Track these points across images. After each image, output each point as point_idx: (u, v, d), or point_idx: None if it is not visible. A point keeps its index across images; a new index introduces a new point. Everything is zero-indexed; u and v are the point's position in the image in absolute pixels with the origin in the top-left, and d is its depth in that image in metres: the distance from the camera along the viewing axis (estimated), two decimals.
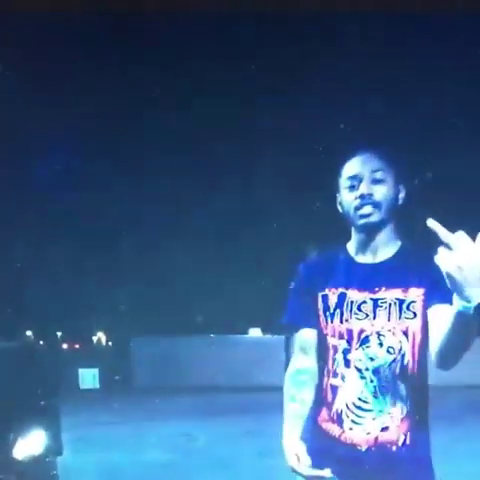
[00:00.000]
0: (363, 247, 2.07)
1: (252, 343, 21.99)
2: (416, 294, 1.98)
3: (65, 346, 32.23)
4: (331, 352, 2.06)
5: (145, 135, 25.86)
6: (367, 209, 2.00)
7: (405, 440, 1.99)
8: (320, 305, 2.08)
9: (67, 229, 27.13)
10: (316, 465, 2.00)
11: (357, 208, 2.02)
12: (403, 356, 1.98)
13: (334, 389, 2.05)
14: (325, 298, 2.08)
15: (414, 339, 1.98)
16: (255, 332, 26.15)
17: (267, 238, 24.05)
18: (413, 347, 1.98)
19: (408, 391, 1.99)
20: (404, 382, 1.98)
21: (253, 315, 26.50)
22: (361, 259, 2.08)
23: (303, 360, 2.13)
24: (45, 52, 21.27)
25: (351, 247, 2.12)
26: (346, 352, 2.02)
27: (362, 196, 2.01)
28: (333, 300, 2.06)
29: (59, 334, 34.42)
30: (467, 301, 1.59)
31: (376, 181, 2.01)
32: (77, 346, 32.95)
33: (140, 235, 26.37)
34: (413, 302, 1.98)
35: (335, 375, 2.05)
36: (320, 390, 2.09)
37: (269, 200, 23.40)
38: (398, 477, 2.01)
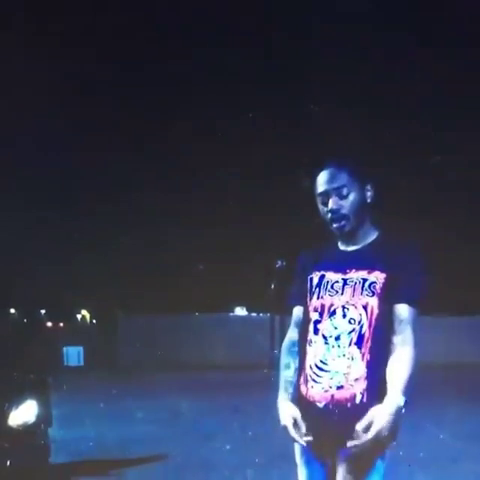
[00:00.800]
0: (346, 240, 2.43)
1: (238, 321, 22.10)
2: (378, 277, 2.30)
3: (49, 324, 32.18)
4: (309, 324, 2.38)
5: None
6: (338, 221, 2.35)
7: (362, 398, 2.23)
8: (308, 286, 2.43)
9: (53, 208, 26.97)
10: (296, 424, 2.31)
11: (331, 221, 2.37)
12: (361, 326, 2.28)
13: (306, 353, 2.37)
14: (311, 280, 2.43)
15: (372, 313, 2.28)
16: (240, 311, 26.32)
17: (256, 222, 24.13)
18: (370, 319, 2.28)
19: (363, 356, 2.26)
20: (360, 348, 2.26)
21: (239, 294, 26.61)
22: (343, 248, 2.44)
23: (295, 333, 2.47)
24: None
25: (339, 240, 2.47)
26: (317, 322, 2.35)
27: (332, 211, 2.35)
28: (315, 281, 2.41)
29: (43, 312, 34.34)
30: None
31: (342, 197, 2.34)
32: (61, 324, 32.92)
33: (128, 215, 26.29)
34: (374, 283, 2.30)
35: (309, 342, 2.38)
36: (302, 357, 2.37)
37: (262, 191, 23.65)
38: (352, 431, 2.19)
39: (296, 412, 2.29)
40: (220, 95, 24.72)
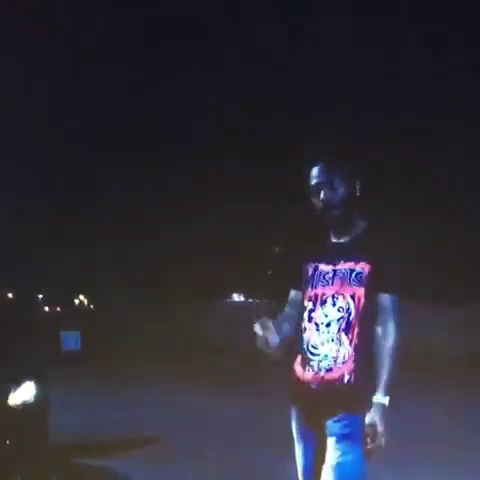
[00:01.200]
0: (336, 233, 2.64)
1: (235, 307, 22.18)
2: (364, 267, 2.50)
3: (46, 309, 32.22)
4: (305, 312, 2.60)
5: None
6: (329, 211, 2.56)
7: (350, 378, 2.46)
8: (303, 276, 2.65)
9: (51, 194, 26.95)
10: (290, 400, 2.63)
11: (322, 211, 2.57)
12: (349, 314, 2.49)
13: (302, 340, 2.59)
14: (306, 271, 2.65)
15: (359, 302, 2.50)
16: (238, 297, 26.42)
17: (254, 209, 24.14)
18: (357, 308, 2.49)
19: (350, 341, 2.47)
20: (347, 334, 2.48)
21: (236, 281, 26.67)
22: (334, 240, 2.65)
23: (289, 310, 2.76)
24: None
25: (331, 232, 2.68)
26: (311, 311, 2.57)
27: (323, 201, 2.56)
28: (310, 272, 2.63)
29: (40, 297, 34.38)
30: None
31: (332, 188, 2.54)
32: (58, 309, 32.95)
33: (124, 200, 26.26)
34: (361, 273, 2.50)
35: (303, 329, 2.60)
36: (298, 344, 2.58)
37: (260, 179, 23.69)
38: (340, 407, 2.46)
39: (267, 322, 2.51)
40: (220, 94, 24.77)
